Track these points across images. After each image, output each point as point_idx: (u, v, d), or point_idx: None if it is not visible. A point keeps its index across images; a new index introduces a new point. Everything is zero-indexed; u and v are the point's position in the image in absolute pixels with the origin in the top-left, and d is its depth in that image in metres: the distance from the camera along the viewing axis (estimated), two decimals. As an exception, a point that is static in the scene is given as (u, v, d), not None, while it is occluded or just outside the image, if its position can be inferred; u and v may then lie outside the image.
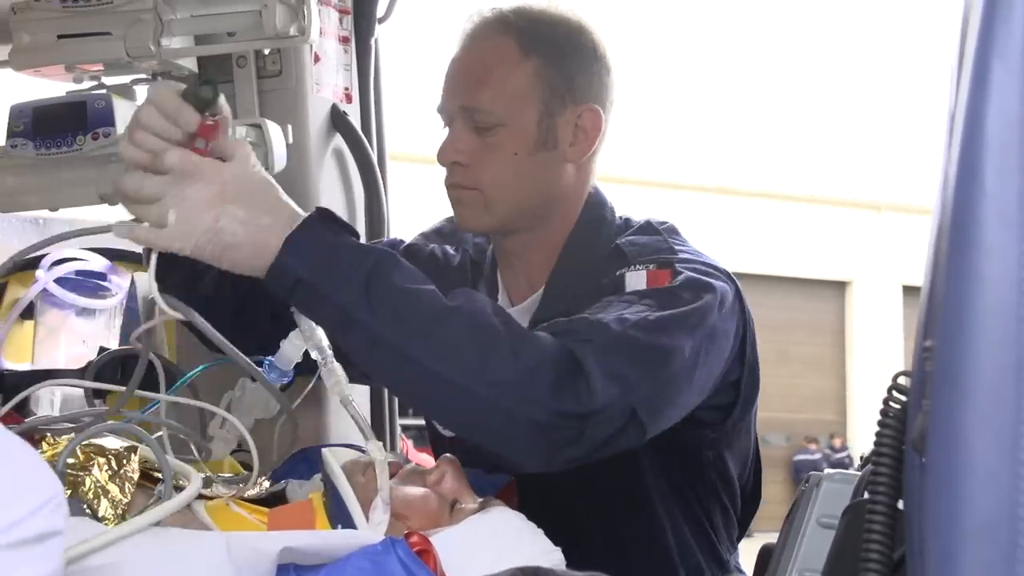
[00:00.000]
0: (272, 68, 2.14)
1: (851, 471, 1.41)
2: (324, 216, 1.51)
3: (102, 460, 1.37)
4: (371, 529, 1.36)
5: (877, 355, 20.21)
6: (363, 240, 1.93)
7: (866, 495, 1.06)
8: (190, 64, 1.91)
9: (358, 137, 2.24)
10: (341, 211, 2.12)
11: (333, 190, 2.22)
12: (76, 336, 2.40)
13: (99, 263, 2.39)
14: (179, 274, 1.63)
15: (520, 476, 1.63)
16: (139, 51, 1.78)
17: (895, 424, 1.01)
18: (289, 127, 1.94)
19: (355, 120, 2.26)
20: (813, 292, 20.59)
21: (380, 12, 2.32)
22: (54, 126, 1.88)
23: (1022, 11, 0.83)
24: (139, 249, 1.56)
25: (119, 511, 1.35)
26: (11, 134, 1.90)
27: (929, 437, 0.86)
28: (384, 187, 2.28)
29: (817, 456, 18.99)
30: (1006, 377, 0.81)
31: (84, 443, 1.38)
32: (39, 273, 2.32)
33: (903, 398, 1.02)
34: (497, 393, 1.44)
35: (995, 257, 0.82)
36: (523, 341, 1.47)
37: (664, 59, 18.88)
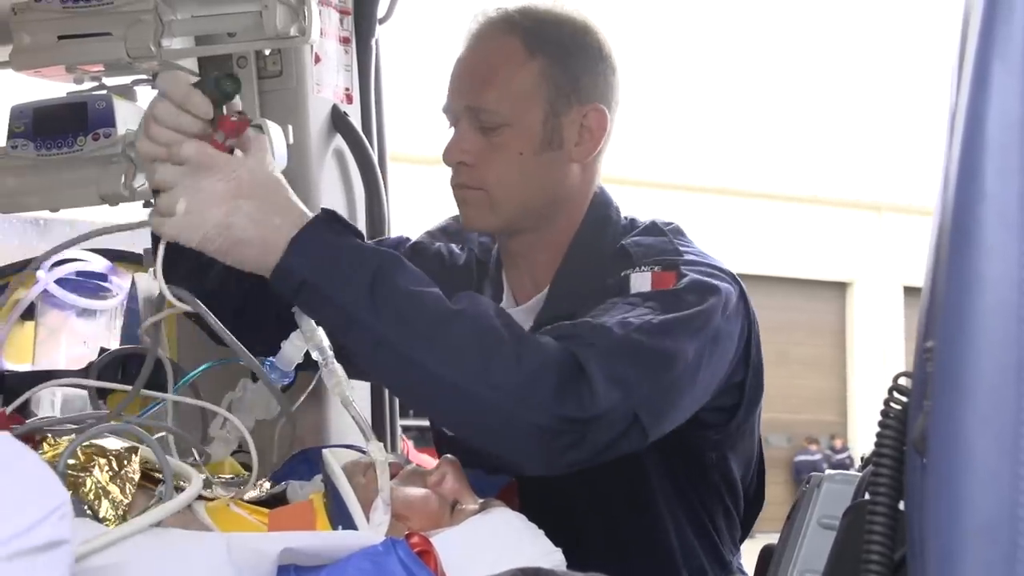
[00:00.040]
0: (273, 69, 2.14)
1: (852, 472, 1.41)
2: (329, 217, 1.51)
3: (103, 461, 1.37)
4: (372, 530, 1.36)
5: (878, 356, 20.21)
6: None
7: (867, 496, 1.06)
8: (191, 65, 1.91)
9: (359, 138, 2.24)
10: (342, 211, 2.11)
11: (334, 191, 2.22)
12: (77, 337, 2.40)
13: (100, 264, 2.39)
14: (185, 267, 1.63)
15: (523, 478, 1.63)
16: (139, 52, 1.78)
17: (896, 425, 1.01)
18: (290, 127, 1.94)
19: (356, 121, 2.26)
20: (814, 293, 20.58)
21: (381, 13, 2.32)
22: (55, 127, 1.88)
23: (1023, 12, 0.83)
24: (139, 250, 1.56)
25: (120, 512, 1.35)
26: (12, 135, 1.90)
27: (930, 438, 0.86)
28: (385, 188, 2.28)
29: (818, 457, 18.98)
30: (1006, 378, 0.81)
31: (85, 444, 1.38)
32: (40, 274, 2.32)
33: (904, 399, 1.02)
34: (499, 397, 1.44)
35: (995, 258, 0.82)
36: (526, 345, 1.47)
37: (664, 60, 18.88)
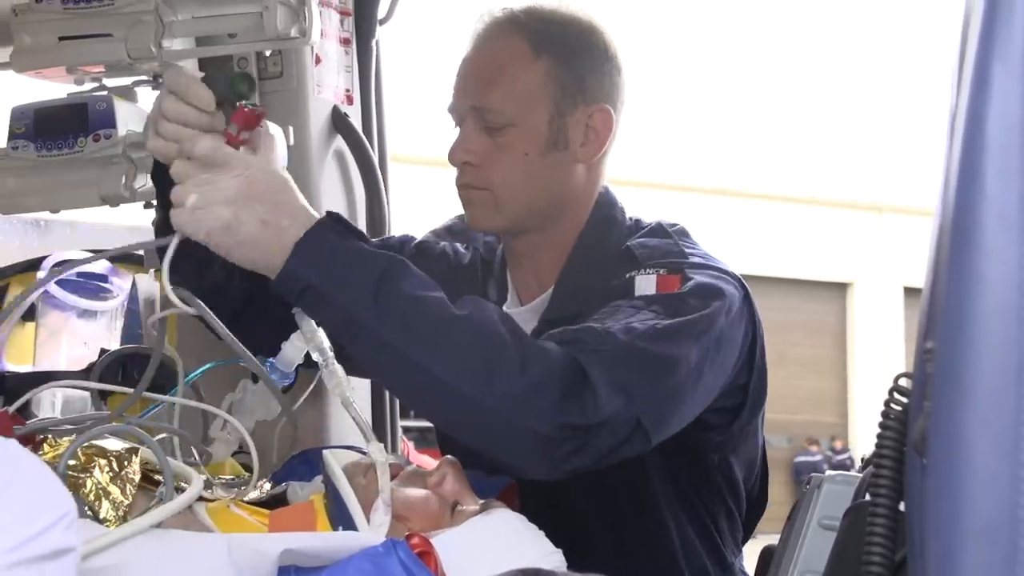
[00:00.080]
0: (273, 70, 2.14)
1: (852, 473, 1.41)
2: (335, 220, 1.52)
3: (103, 462, 1.37)
4: (372, 531, 1.36)
5: (878, 357, 20.20)
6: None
7: (867, 497, 1.06)
8: (191, 66, 1.91)
9: (359, 139, 2.24)
10: (342, 213, 2.12)
11: (334, 192, 2.22)
12: (77, 338, 2.40)
13: (100, 265, 2.40)
14: (185, 267, 1.64)
15: (527, 480, 1.63)
16: (140, 53, 1.78)
17: (896, 426, 1.01)
18: (290, 128, 1.93)
19: (356, 122, 2.26)
20: (814, 294, 20.58)
21: (381, 14, 2.32)
22: (55, 128, 1.88)
23: (1023, 13, 0.83)
24: (140, 251, 1.56)
25: (120, 513, 1.35)
26: (12, 136, 1.90)
27: (930, 439, 0.86)
28: (385, 189, 2.28)
29: (818, 458, 18.98)
30: (1007, 379, 0.82)
31: (85, 445, 1.38)
32: (40, 275, 2.32)
33: (904, 400, 1.02)
34: (503, 404, 1.44)
35: (996, 259, 0.82)
36: (530, 351, 1.47)
37: (664, 61, 18.88)
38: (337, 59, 2.24)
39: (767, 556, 1.52)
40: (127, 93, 1.95)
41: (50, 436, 1.48)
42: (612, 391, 1.47)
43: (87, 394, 1.83)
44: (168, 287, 1.46)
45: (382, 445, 1.46)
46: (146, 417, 1.62)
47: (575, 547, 1.45)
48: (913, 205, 19.87)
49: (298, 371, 1.59)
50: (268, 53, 2.09)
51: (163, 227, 1.70)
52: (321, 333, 1.51)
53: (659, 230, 1.80)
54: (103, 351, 1.97)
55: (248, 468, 1.67)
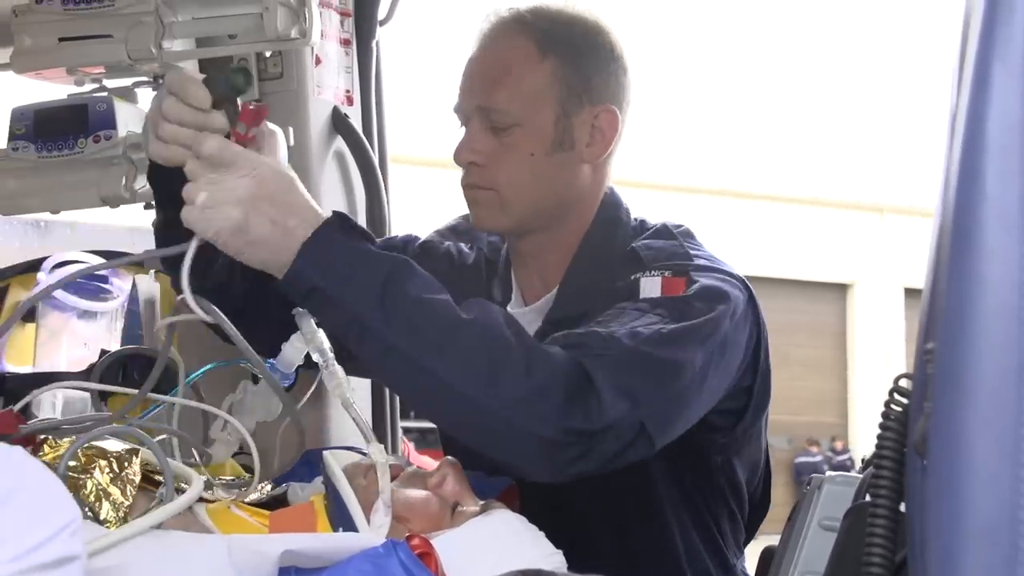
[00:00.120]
0: (273, 70, 2.14)
1: (853, 474, 1.41)
2: (342, 221, 1.52)
3: (103, 463, 1.37)
4: (372, 532, 1.36)
5: (879, 357, 20.20)
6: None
7: (868, 498, 1.06)
8: (191, 67, 1.91)
9: (359, 139, 2.24)
10: (342, 213, 2.12)
11: (334, 192, 2.22)
12: (78, 339, 2.40)
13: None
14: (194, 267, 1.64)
15: (530, 482, 1.63)
16: (140, 54, 1.78)
17: (896, 427, 1.01)
18: (290, 129, 1.93)
19: (356, 122, 2.26)
20: (815, 294, 20.58)
21: (381, 14, 2.32)
22: (55, 129, 1.88)
23: (1023, 13, 0.83)
24: (140, 250, 1.56)
25: (120, 514, 1.35)
26: (12, 137, 1.90)
27: (930, 439, 0.86)
28: (385, 189, 2.28)
29: (818, 458, 18.98)
30: (1007, 380, 0.81)
31: (85, 446, 1.38)
32: (41, 276, 2.32)
33: (904, 400, 1.02)
34: (508, 408, 1.45)
35: (996, 260, 0.82)
36: (535, 356, 1.48)
37: (664, 62, 18.88)
38: (337, 60, 2.24)
39: (767, 557, 1.52)
40: (127, 94, 1.95)
41: (50, 437, 1.48)
42: (617, 396, 1.47)
43: (87, 395, 1.83)
44: (189, 295, 1.46)
45: (382, 446, 1.46)
46: (146, 418, 1.61)
47: (577, 549, 1.45)
48: (914, 206, 19.87)
49: (298, 372, 1.59)
50: (268, 54, 2.10)
51: (163, 229, 1.70)
52: (321, 334, 1.51)
53: (664, 231, 1.80)
54: (103, 352, 1.97)
55: (248, 469, 1.67)
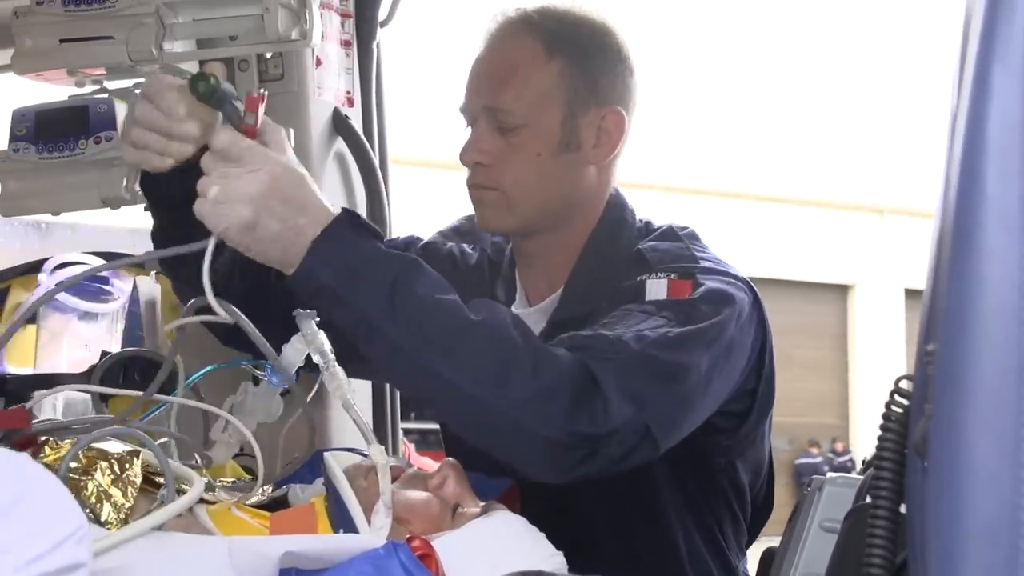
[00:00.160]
0: (274, 72, 2.14)
1: (853, 475, 1.41)
2: (351, 219, 1.52)
3: (104, 464, 1.37)
4: (373, 533, 1.36)
5: (879, 359, 20.20)
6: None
7: (868, 499, 1.06)
8: (192, 68, 1.92)
9: (360, 141, 2.24)
10: (343, 215, 2.11)
11: (335, 194, 2.22)
12: (78, 340, 2.40)
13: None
14: (185, 270, 1.64)
15: (534, 486, 1.63)
16: (141, 55, 1.78)
17: (897, 428, 1.01)
18: (291, 131, 1.93)
19: (357, 124, 2.26)
20: (815, 296, 20.57)
21: (382, 16, 2.32)
22: (56, 130, 1.88)
23: (1023, 14, 0.83)
24: (141, 253, 1.57)
25: (122, 515, 1.35)
26: (13, 138, 1.90)
27: (931, 440, 0.86)
28: (386, 190, 2.28)
29: (819, 460, 18.97)
30: (1007, 380, 0.82)
31: (86, 447, 1.38)
32: (42, 277, 2.32)
33: (905, 402, 1.02)
34: (514, 410, 1.45)
35: (996, 260, 0.82)
36: (542, 358, 1.48)
37: (664, 63, 18.89)
38: (338, 61, 2.24)
39: (768, 558, 1.52)
40: (128, 95, 1.95)
41: (52, 439, 1.48)
42: (623, 399, 1.48)
43: (88, 396, 1.83)
44: (210, 294, 1.46)
45: (383, 447, 1.46)
46: (148, 420, 1.62)
47: (580, 550, 1.46)
48: (914, 207, 19.86)
49: (299, 374, 1.59)
50: (269, 55, 2.10)
51: (158, 233, 1.71)
52: (322, 335, 1.51)
53: (670, 233, 1.80)
54: (104, 353, 1.97)
55: (249, 470, 1.67)
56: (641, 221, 1.84)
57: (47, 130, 1.88)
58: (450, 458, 1.53)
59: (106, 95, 1.91)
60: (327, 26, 2.17)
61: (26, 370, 2.35)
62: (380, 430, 2.25)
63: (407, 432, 2.62)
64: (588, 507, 1.78)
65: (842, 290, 21.16)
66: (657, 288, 1.67)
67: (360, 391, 1.97)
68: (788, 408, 19.10)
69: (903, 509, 1.01)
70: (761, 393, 1.77)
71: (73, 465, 1.36)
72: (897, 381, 1.03)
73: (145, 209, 1.89)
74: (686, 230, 1.81)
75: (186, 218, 1.51)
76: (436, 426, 1.99)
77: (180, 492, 1.37)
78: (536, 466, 1.51)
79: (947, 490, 0.83)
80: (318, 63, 2.17)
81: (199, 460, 1.58)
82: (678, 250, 1.75)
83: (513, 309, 1.80)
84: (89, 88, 1.93)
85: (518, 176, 1.75)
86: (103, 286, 2.40)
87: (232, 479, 1.66)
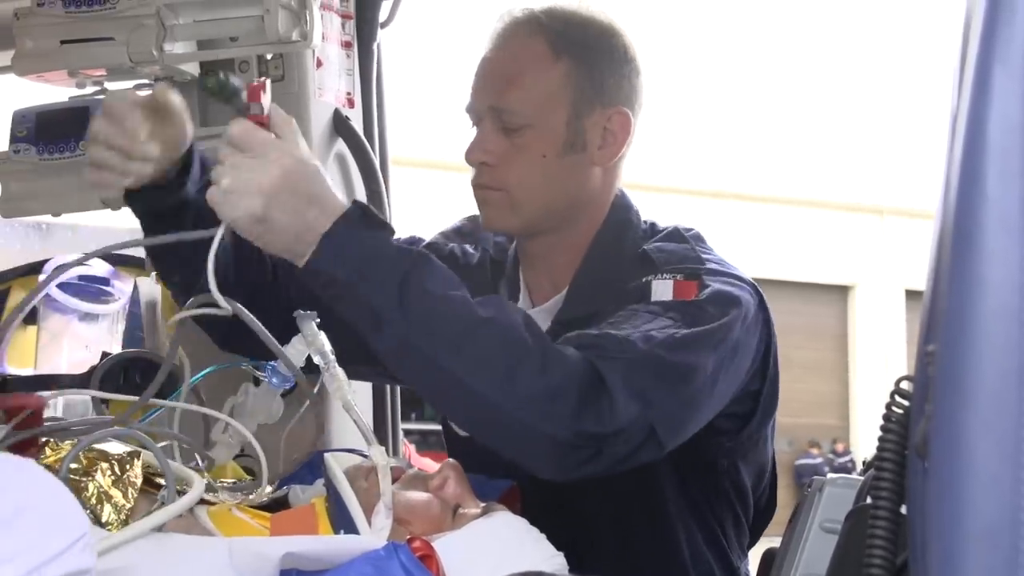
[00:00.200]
0: (274, 73, 2.14)
1: (854, 476, 1.41)
2: (363, 212, 1.51)
3: (105, 465, 1.37)
4: (374, 534, 1.36)
5: (879, 359, 20.19)
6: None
7: (869, 500, 1.06)
8: (193, 69, 1.92)
9: (360, 142, 2.24)
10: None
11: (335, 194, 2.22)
12: (79, 341, 2.40)
13: (102, 268, 2.40)
14: (185, 271, 1.64)
15: (538, 485, 1.63)
16: (142, 56, 1.78)
17: (897, 429, 1.01)
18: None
19: (357, 124, 2.26)
20: (815, 296, 20.57)
21: (382, 17, 2.32)
22: (57, 131, 1.88)
23: (1023, 15, 0.83)
24: (141, 252, 1.57)
25: (122, 516, 1.35)
26: (14, 139, 1.91)
27: (931, 441, 0.86)
28: (386, 191, 2.28)
29: (819, 461, 18.97)
30: (1008, 381, 0.81)
31: (87, 448, 1.38)
32: (42, 278, 2.32)
33: (905, 403, 1.02)
34: (522, 408, 1.45)
35: (997, 261, 0.82)
36: (551, 357, 1.48)
37: (664, 64, 18.90)
38: (338, 62, 2.24)
39: (768, 559, 1.52)
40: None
41: (52, 440, 1.48)
42: (629, 399, 1.48)
43: (88, 397, 1.83)
44: (213, 284, 1.45)
45: (383, 448, 1.46)
46: (148, 421, 1.62)
47: (582, 550, 1.46)
48: (915, 207, 19.86)
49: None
50: (269, 56, 2.10)
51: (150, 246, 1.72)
52: (322, 336, 1.51)
53: (676, 235, 1.80)
54: (104, 354, 1.97)
55: (249, 471, 1.67)
56: (646, 222, 1.84)
57: (48, 131, 1.88)
58: (451, 459, 1.53)
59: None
60: (328, 27, 2.17)
61: (27, 371, 2.35)
62: (380, 431, 2.25)
63: (408, 433, 2.62)
64: (591, 506, 1.78)
65: (842, 291, 21.16)
66: (663, 289, 1.67)
67: (360, 392, 1.97)
68: (788, 409, 18.92)
69: (903, 510, 1.01)
70: (765, 395, 1.77)
71: (73, 466, 1.36)
72: (897, 382, 1.03)
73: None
74: (691, 231, 1.81)
75: (173, 229, 1.53)
76: (437, 427, 1.98)
77: (181, 493, 1.37)
78: (541, 464, 1.51)
79: (948, 491, 0.83)
80: (319, 64, 2.18)
81: (200, 462, 1.58)
82: (684, 251, 1.75)
83: (517, 309, 1.80)
84: (90, 89, 1.93)
85: (523, 176, 1.75)
86: (103, 287, 2.40)
87: (232, 480, 1.66)
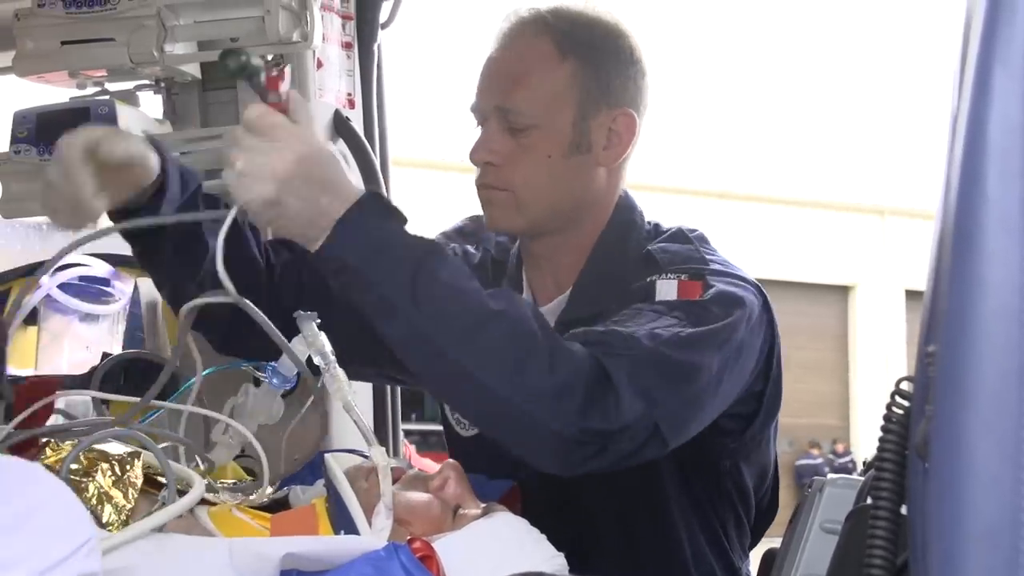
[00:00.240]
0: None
1: (854, 476, 1.41)
2: (376, 199, 1.51)
3: (105, 466, 1.37)
4: (374, 535, 1.36)
5: (880, 360, 20.20)
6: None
7: (869, 500, 1.06)
8: (193, 70, 1.92)
9: (361, 142, 2.24)
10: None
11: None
12: (79, 342, 2.40)
13: (102, 268, 2.40)
14: (185, 271, 1.63)
15: (543, 483, 1.63)
16: (142, 57, 1.78)
17: (898, 429, 1.01)
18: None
19: (358, 125, 2.26)
20: (816, 296, 20.57)
21: (383, 18, 2.32)
22: (58, 132, 1.87)
23: (1023, 16, 0.83)
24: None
25: (122, 517, 1.35)
26: (15, 140, 1.91)
27: (932, 442, 0.86)
28: (387, 192, 2.28)
29: (819, 461, 18.97)
30: (1008, 382, 0.82)
31: (87, 449, 1.38)
32: (42, 279, 2.32)
33: (906, 403, 1.02)
34: (529, 403, 1.45)
35: (997, 262, 0.82)
36: (559, 354, 1.48)
37: (665, 64, 18.89)
38: (339, 63, 2.24)
39: (769, 559, 1.52)
40: (129, 97, 1.95)
41: (53, 440, 1.48)
42: (634, 396, 1.48)
43: (89, 397, 1.83)
44: (221, 268, 1.44)
45: (384, 449, 1.46)
46: (149, 421, 1.62)
47: (584, 548, 1.46)
48: (915, 208, 19.87)
49: (299, 376, 1.59)
50: (270, 57, 2.10)
51: (141, 259, 1.72)
52: (323, 337, 1.51)
53: (680, 235, 1.80)
54: (105, 355, 1.97)
55: (250, 472, 1.67)
56: (650, 223, 1.85)
57: (48, 132, 1.88)
58: (451, 459, 1.53)
59: (107, 97, 1.91)
60: (328, 28, 2.17)
61: (27, 371, 2.35)
62: (381, 431, 2.25)
63: (408, 433, 2.62)
64: (593, 504, 1.78)
65: (843, 291, 21.16)
66: (667, 288, 1.67)
67: (361, 392, 1.97)
68: (789, 409, 18.76)
69: (904, 510, 1.01)
70: (768, 396, 1.77)
71: (74, 467, 1.36)
72: (898, 382, 1.03)
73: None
74: (695, 232, 1.82)
75: (152, 248, 1.54)
76: (437, 427, 1.98)
77: (181, 493, 1.37)
78: (545, 459, 1.51)
79: (948, 492, 0.83)
80: (319, 65, 2.18)
81: (201, 464, 1.58)
82: (688, 252, 1.75)
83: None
84: (90, 90, 1.93)
85: (528, 177, 1.75)
86: (104, 288, 2.40)
87: (233, 480, 1.66)
